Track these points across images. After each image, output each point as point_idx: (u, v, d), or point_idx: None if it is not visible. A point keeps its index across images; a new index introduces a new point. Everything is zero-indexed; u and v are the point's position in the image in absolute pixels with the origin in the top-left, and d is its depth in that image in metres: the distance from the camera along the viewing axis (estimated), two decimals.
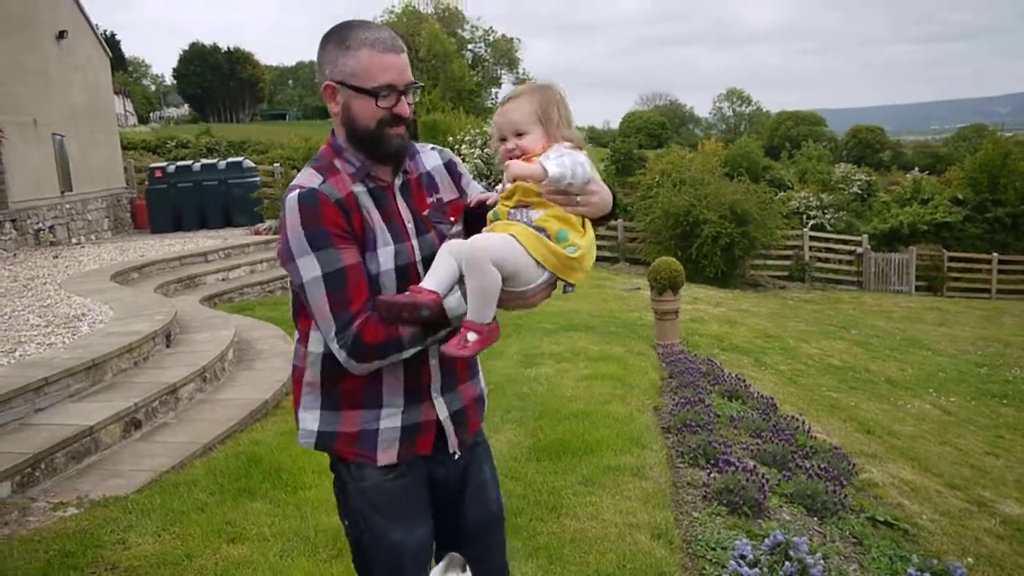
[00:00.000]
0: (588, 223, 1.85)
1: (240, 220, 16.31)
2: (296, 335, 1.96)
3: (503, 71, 48.22)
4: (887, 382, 10.29)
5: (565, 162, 1.77)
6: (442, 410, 1.95)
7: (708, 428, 5.59)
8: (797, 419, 6.47)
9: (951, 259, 24.23)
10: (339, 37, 1.85)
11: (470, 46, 46.94)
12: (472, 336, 1.73)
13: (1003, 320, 18.71)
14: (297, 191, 1.81)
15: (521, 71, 47.98)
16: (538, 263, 1.75)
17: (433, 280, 1.78)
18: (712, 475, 4.56)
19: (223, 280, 11.11)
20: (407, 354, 1.80)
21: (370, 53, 1.82)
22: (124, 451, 4.72)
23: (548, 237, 1.76)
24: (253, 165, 17.84)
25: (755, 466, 4.68)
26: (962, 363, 12.24)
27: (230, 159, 18.06)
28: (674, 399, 6.70)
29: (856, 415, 7.97)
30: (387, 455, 1.90)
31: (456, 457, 2.02)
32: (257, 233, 14.78)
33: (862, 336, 14.02)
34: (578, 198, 1.80)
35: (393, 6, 44.34)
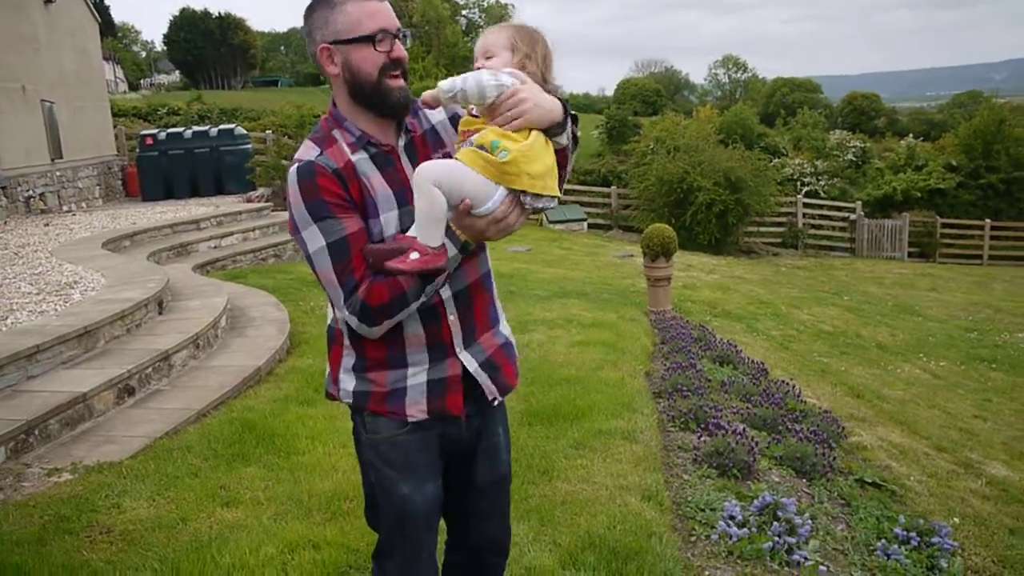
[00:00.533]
0: (535, 133, 1.82)
1: (232, 188, 16.22)
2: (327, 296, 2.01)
3: None
4: (878, 347, 10.35)
5: (457, 79, 1.79)
6: (470, 363, 1.99)
7: (699, 393, 5.63)
8: (788, 384, 6.52)
9: (944, 225, 24.30)
10: (324, 0, 1.88)
11: (464, 12, 46.48)
12: (414, 255, 1.76)
13: (994, 286, 18.81)
14: (296, 165, 1.85)
15: None
16: (486, 180, 1.78)
17: (415, 227, 1.80)
18: (702, 438, 4.61)
19: (215, 248, 11.09)
20: (415, 306, 1.84)
21: (356, 4, 1.85)
22: (118, 418, 4.74)
23: (484, 150, 1.78)
24: (245, 132, 17.70)
25: (745, 429, 4.73)
26: (952, 328, 12.32)
27: (221, 126, 17.91)
28: (665, 364, 6.74)
29: (846, 380, 8.04)
30: (417, 410, 1.95)
31: (496, 403, 2.07)
32: (249, 201, 14.72)
33: (854, 302, 14.08)
34: (509, 112, 1.79)
35: None
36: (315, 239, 1.81)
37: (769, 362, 7.58)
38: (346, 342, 1.97)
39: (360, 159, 1.88)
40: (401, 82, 1.89)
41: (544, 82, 1.92)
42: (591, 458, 4.25)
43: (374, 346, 1.92)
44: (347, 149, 1.87)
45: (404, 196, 1.87)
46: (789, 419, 5.48)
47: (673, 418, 5.19)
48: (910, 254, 23.64)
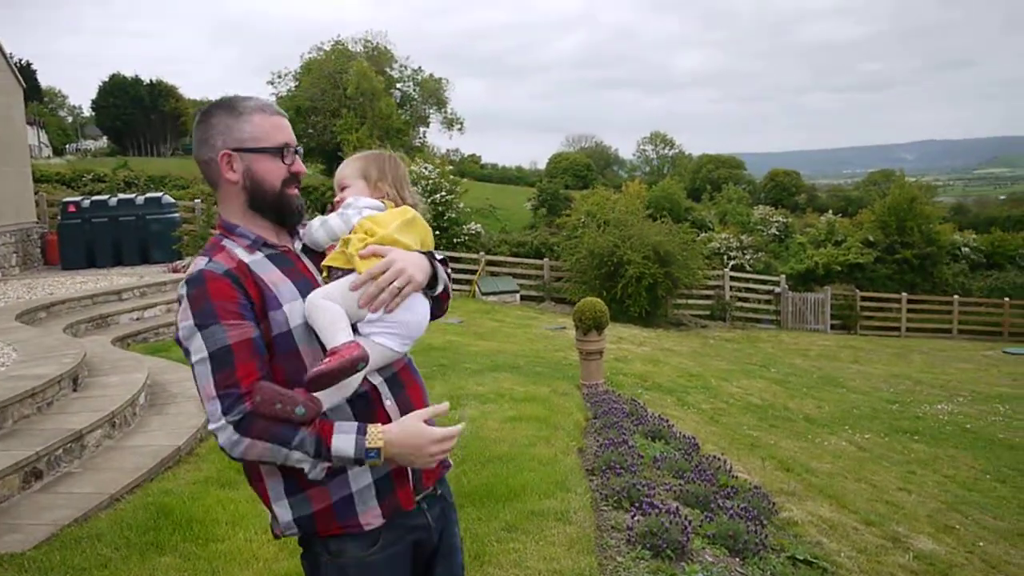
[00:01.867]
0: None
1: (158, 257, 15.86)
2: None
3: (431, 110, 48.29)
4: (805, 420, 10.52)
5: (313, 223, 1.93)
6: None
7: (632, 470, 5.59)
8: (719, 459, 6.54)
9: (863, 299, 25.15)
10: (228, 107, 1.89)
11: (399, 85, 46.93)
12: (327, 358, 1.71)
13: (912, 357, 19.43)
14: (184, 280, 1.79)
15: (449, 111, 48.15)
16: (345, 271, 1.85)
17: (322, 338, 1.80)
18: (636, 518, 4.56)
19: (137, 320, 10.74)
20: (297, 458, 1.70)
21: (263, 116, 1.89)
22: (23, 503, 4.46)
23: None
24: (173, 201, 17.41)
25: (678, 507, 4.70)
26: (875, 400, 12.61)
27: (148, 194, 17.58)
28: (598, 440, 6.70)
29: (776, 453, 8.11)
30: (372, 516, 1.83)
31: (421, 508, 1.95)
32: (175, 271, 14.37)
33: (781, 374, 14.34)
34: (395, 285, 1.81)
35: (322, 43, 44.05)
36: (198, 349, 1.71)
37: (700, 436, 7.61)
38: (266, 469, 1.81)
39: (255, 260, 1.83)
40: (297, 191, 1.94)
41: (401, 199, 2.04)
42: (524, 541, 4.15)
43: None
44: (240, 252, 1.83)
45: (309, 287, 1.83)
46: (721, 495, 5.47)
47: (606, 496, 5.13)
48: (832, 326, 24.34)
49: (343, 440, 1.72)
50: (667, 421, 7.75)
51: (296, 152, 1.92)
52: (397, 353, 1.87)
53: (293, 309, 1.80)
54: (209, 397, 1.70)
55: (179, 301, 1.78)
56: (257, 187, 1.87)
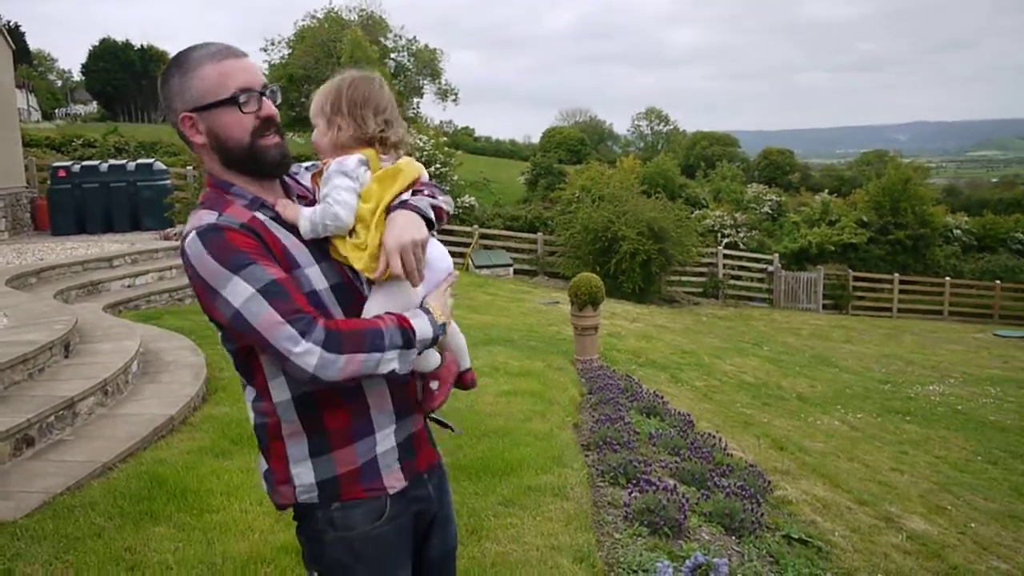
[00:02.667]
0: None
1: (149, 224, 15.71)
2: (250, 394, 1.76)
3: (426, 81, 47.85)
4: (798, 398, 10.54)
5: (315, 216, 1.71)
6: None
7: (628, 446, 5.58)
8: (714, 436, 6.54)
9: (856, 279, 25.19)
10: (176, 66, 1.73)
11: (393, 55, 46.42)
12: (434, 387, 1.81)
13: (904, 338, 19.51)
14: (193, 232, 1.64)
15: (444, 81, 47.72)
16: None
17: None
18: (633, 495, 4.54)
19: (129, 287, 10.64)
20: (390, 357, 1.63)
21: (212, 65, 1.70)
22: (14, 471, 4.40)
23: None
24: (164, 168, 17.21)
25: (675, 485, 4.68)
26: (867, 380, 12.65)
27: (140, 160, 17.39)
28: (593, 416, 6.68)
29: (769, 432, 8.12)
30: (395, 479, 1.78)
31: (424, 479, 1.90)
32: (167, 238, 14.24)
33: (773, 353, 14.37)
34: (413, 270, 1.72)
35: (315, 11, 43.52)
36: (240, 291, 1.57)
37: (694, 413, 7.60)
38: (289, 429, 1.72)
39: (265, 219, 1.71)
40: (276, 139, 1.75)
41: (362, 130, 1.79)
42: (521, 516, 4.12)
43: (334, 414, 1.71)
44: (244, 210, 1.71)
45: (322, 253, 1.73)
46: (717, 473, 5.46)
47: (603, 473, 5.12)
48: (824, 306, 24.40)
49: (420, 323, 1.69)
50: (662, 398, 7.74)
51: (264, 93, 1.72)
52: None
53: (312, 274, 1.70)
54: (276, 323, 1.56)
55: (187, 260, 1.63)
56: (223, 145, 1.72)
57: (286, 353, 1.56)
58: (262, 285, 1.57)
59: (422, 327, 1.69)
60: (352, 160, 1.74)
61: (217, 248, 1.60)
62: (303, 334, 1.55)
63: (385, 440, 1.76)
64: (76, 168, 16.14)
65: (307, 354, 1.55)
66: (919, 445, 8.91)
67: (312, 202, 1.81)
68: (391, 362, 1.64)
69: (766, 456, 7.02)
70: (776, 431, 8.24)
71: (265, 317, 1.56)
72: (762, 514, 4.77)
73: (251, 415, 1.79)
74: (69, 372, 5.71)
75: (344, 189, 1.71)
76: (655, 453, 5.83)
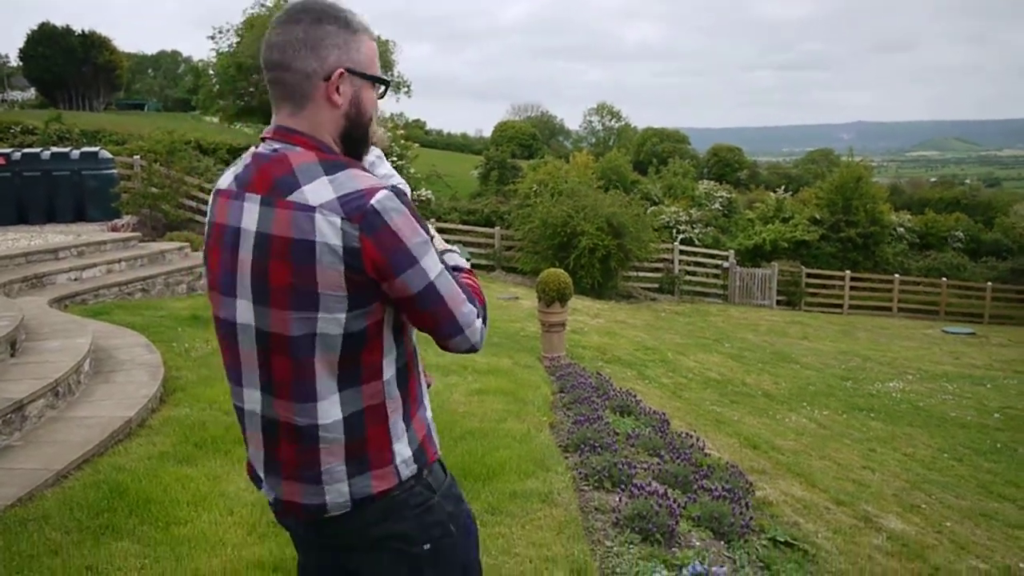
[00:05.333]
0: None
1: (94, 215, 15.08)
2: (359, 374, 1.57)
3: None
4: (764, 396, 10.52)
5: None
6: None
7: (610, 448, 5.41)
8: (691, 436, 6.42)
9: (808, 275, 25.48)
10: (336, 18, 1.56)
11: None
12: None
13: (857, 334, 19.76)
14: (386, 190, 1.49)
15: (396, 73, 47.16)
16: None
17: None
18: (622, 500, 4.37)
19: (76, 280, 10.15)
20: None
21: (370, 39, 1.61)
22: None
23: None
24: (110, 156, 16.55)
25: (667, 491, 4.52)
26: (828, 377, 12.72)
27: (84, 148, 16.71)
28: (568, 415, 6.51)
29: (741, 430, 8.04)
30: (438, 446, 1.75)
31: None
32: (115, 229, 13.69)
33: (735, 349, 14.38)
34: None
35: None
36: (434, 263, 1.54)
37: (666, 411, 7.48)
38: (392, 406, 1.61)
39: None
40: None
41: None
42: (510, 525, 3.92)
43: (415, 380, 1.68)
44: None
45: None
46: (699, 475, 5.33)
47: (586, 476, 4.94)
48: (778, 302, 24.63)
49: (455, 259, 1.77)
50: (634, 396, 7.61)
51: None
52: None
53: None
54: (460, 298, 1.58)
55: (385, 220, 1.47)
56: (358, 119, 1.60)
57: (466, 327, 1.59)
58: (439, 259, 1.57)
59: (459, 263, 1.77)
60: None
61: (414, 212, 1.52)
62: (480, 313, 1.62)
63: (428, 410, 1.74)
64: (16, 156, 15.42)
65: (480, 328, 1.61)
66: (886, 443, 8.93)
67: None
68: None
69: (742, 455, 6.93)
70: (748, 429, 8.17)
71: (453, 290, 1.57)
72: (750, 518, 4.65)
73: (335, 412, 1.57)
74: (16, 372, 5.34)
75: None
76: (635, 454, 5.68)
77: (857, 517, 6.09)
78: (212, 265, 1.60)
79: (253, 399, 1.61)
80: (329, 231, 1.44)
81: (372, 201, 1.46)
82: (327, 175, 1.49)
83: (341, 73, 1.54)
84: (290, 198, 1.47)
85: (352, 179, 1.49)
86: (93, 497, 3.86)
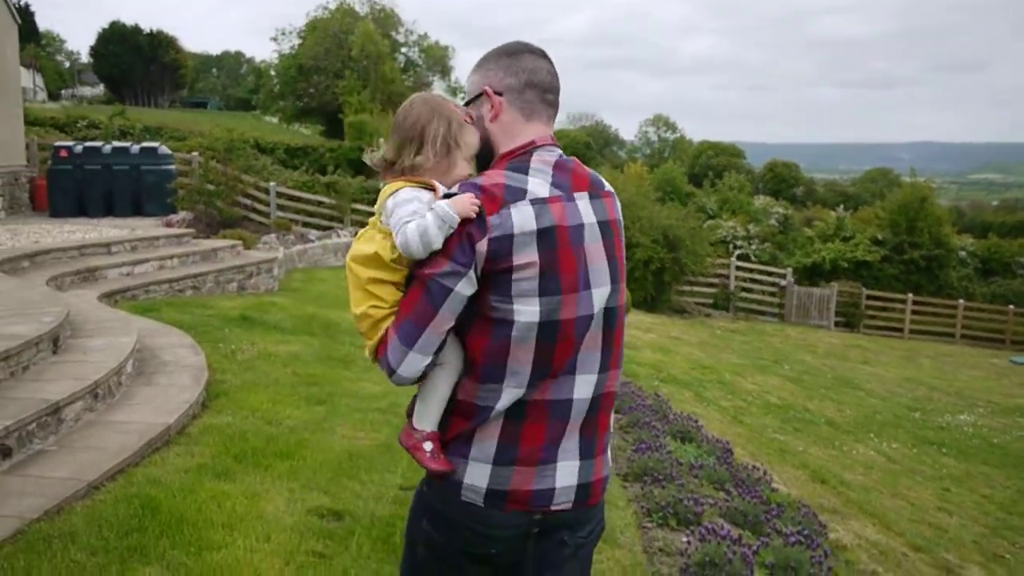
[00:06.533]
0: None
1: (151, 210, 15.13)
2: None
3: (435, 77, 47.34)
4: (828, 424, 9.99)
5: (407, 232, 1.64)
6: None
7: (677, 481, 5.03)
8: (758, 468, 6.01)
9: (869, 297, 24.62)
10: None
11: (403, 49, 45.95)
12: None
13: (921, 361, 18.96)
14: None
15: (453, 79, 47.21)
16: None
17: None
18: (691, 543, 4.00)
19: (127, 275, 10.07)
20: None
21: None
22: None
23: None
24: (169, 152, 16.63)
25: (740, 536, 4.13)
26: (895, 406, 12.10)
27: (144, 143, 16.81)
28: (627, 439, 6.14)
29: (807, 462, 7.58)
30: None
31: None
32: (169, 225, 13.68)
33: (794, 372, 13.81)
34: None
35: (327, 2, 42.98)
36: None
37: (728, 439, 7.06)
38: None
39: None
40: None
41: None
42: None
43: None
44: None
45: None
46: (769, 514, 4.92)
47: (649, 511, 4.58)
48: (836, 323, 23.84)
49: None
50: (695, 420, 7.21)
51: None
52: None
53: None
54: None
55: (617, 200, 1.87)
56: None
57: None
58: None
59: None
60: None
61: None
62: None
63: None
64: (78, 148, 15.55)
65: None
66: (961, 482, 8.36)
67: None
68: None
69: (809, 490, 6.48)
70: (814, 461, 7.69)
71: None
72: (829, 568, 4.23)
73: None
74: (56, 371, 5.15)
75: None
76: (699, 487, 5.30)
77: (937, 566, 5.62)
78: (567, 269, 1.64)
79: (587, 384, 1.70)
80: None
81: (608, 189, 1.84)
82: None
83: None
84: (606, 188, 1.80)
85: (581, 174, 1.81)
86: (124, 513, 3.61)
